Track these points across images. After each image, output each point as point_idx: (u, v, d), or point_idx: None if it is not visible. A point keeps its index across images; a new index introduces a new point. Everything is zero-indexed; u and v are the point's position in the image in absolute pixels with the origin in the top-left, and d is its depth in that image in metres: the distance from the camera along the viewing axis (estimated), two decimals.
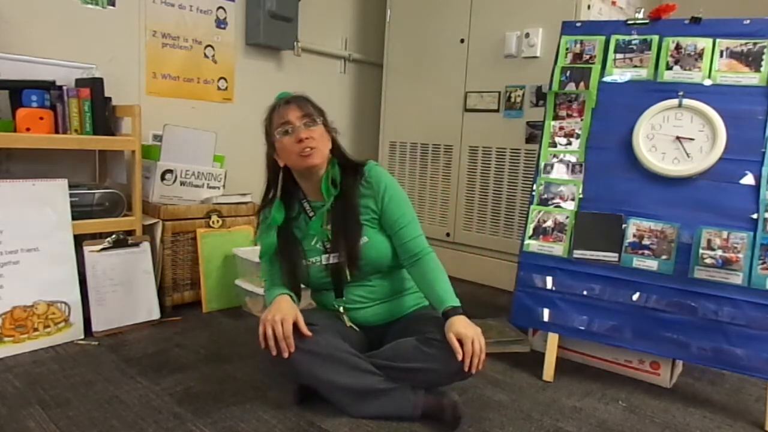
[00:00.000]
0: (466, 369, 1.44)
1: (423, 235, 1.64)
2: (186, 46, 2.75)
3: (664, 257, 1.77)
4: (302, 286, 1.72)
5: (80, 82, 2.15)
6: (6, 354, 1.81)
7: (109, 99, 2.22)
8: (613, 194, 1.87)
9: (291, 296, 1.58)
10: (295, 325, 1.47)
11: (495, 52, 2.88)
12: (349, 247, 1.58)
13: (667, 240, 1.77)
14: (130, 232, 2.18)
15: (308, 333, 1.47)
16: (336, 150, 1.64)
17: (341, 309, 1.65)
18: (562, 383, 1.85)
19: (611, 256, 1.83)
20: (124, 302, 2.11)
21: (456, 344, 1.44)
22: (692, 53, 1.85)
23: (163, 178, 2.30)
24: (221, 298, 2.41)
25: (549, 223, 1.94)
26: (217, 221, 2.41)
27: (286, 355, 1.45)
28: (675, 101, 1.82)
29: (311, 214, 1.64)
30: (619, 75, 1.95)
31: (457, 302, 1.53)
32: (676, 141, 1.81)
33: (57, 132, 2.04)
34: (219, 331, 2.16)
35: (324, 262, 1.62)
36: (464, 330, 1.45)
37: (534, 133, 2.73)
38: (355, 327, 1.65)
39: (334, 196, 1.59)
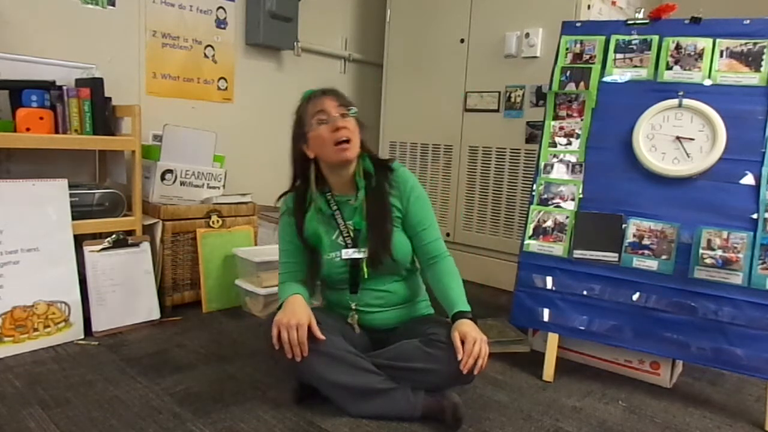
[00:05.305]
0: (463, 367, 1.44)
1: (442, 238, 1.67)
2: (186, 46, 2.75)
3: (664, 257, 1.77)
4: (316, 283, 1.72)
5: (80, 82, 2.15)
6: (6, 354, 1.81)
7: (109, 99, 2.22)
8: (613, 194, 1.87)
9: (304, 295, 1.57)
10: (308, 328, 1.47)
11: (495, 52, 2.88)
12: (383, 240, 1.58)
13: (667, 240, 1.77)
14: (130, 232, 2.18)
15: (321, 337, 1.47)
16: (363, 145, 1.64)
17: (353, 306, 1.65)
18: (562, 383, 1.85)
19: (611, 256, 1.83)
20: (124, 302, 2.10)
21: (458, 343, 1.46)
22: (692, 53, 1.85)
23: (163, 178, 2.30)
24: (221, 298, 2.41)
25: (549, 223, 1.94)
26: (217, 221, 2.41)
27: (299, 359, 1.46)
28: (675, 101, 1.83)
29: (335, 208, 1.64)
30: (619, 75, 1.95)
31: (467, 308, 1.56)
32: (676, 141, 1.81)
33: (57, 132, 2.04)
34: (219, 331, 2.16)
35: (344, 257, 1.61)
36: (470, 331, 1.47)
37: (534, 133, 2.73)
38: (357, 328, 1.65)
39: (364, 189, 1.60)
